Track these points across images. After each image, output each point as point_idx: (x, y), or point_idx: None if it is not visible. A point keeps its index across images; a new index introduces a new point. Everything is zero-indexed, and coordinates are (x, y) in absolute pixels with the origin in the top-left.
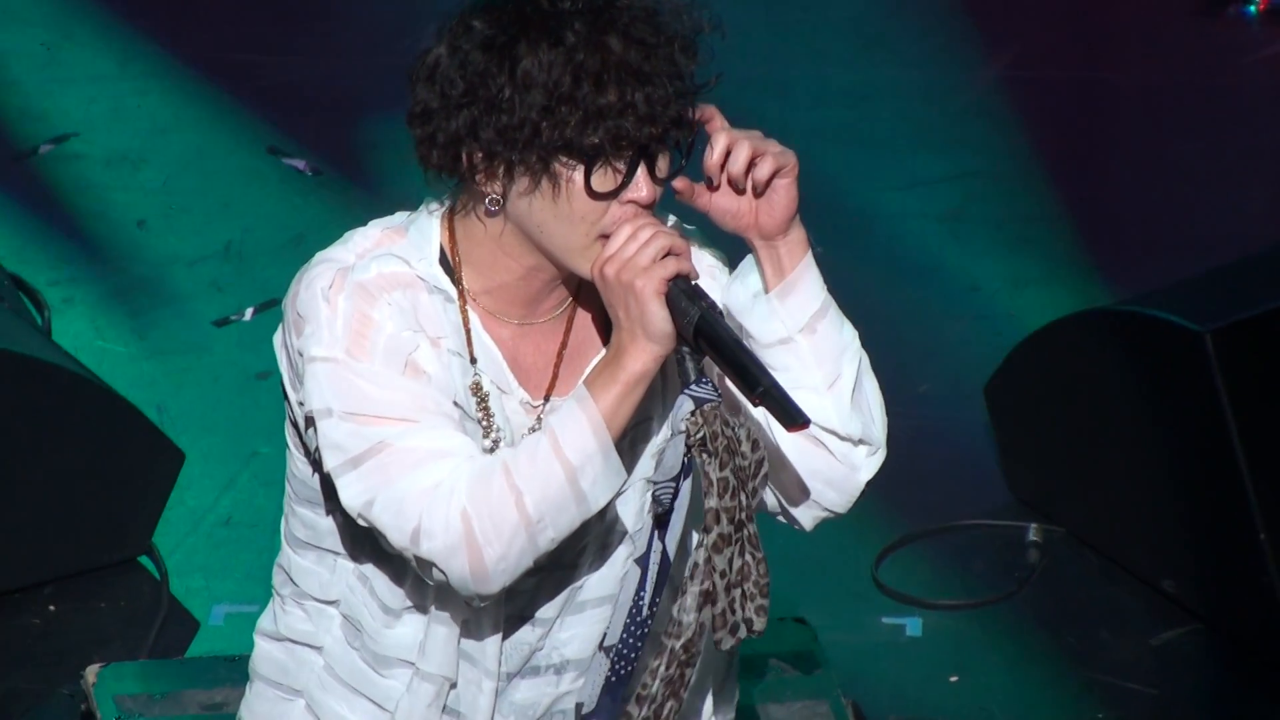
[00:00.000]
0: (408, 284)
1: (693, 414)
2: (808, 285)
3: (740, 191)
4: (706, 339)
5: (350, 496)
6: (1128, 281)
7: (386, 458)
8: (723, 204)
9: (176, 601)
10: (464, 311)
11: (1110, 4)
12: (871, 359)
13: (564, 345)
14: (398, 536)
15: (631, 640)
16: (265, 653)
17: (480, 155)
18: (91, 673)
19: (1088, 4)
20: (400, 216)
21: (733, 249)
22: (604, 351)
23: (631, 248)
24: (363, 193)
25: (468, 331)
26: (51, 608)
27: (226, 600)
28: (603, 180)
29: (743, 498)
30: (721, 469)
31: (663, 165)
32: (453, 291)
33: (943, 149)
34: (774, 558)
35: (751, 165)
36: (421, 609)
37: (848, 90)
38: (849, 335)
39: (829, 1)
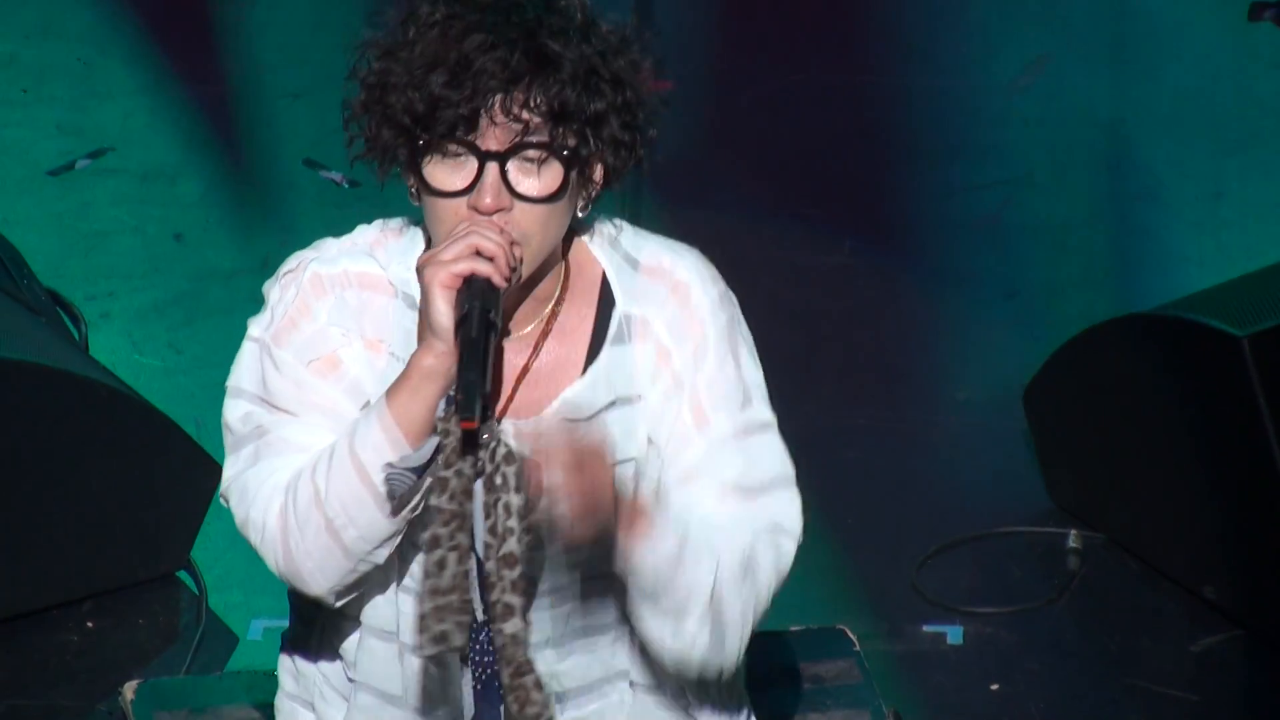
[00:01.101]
0: (369, 285)
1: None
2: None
3: None
4: (460, 340)
5: (225, 478)
6: (1165, 286)
7: (260, 444)
8: None
9: (215, 616)
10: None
11: (1144, 8)
12: (910, 365)
13: (527, 367)
14: (238, 523)
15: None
16: (283, 664)
17: (370, 133)
18: (130, 689)
19: (1122, 8)
20: (405, 219)
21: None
22: (577, 381)
23: (445, 245)
24: (400, 205)
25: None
26: (90, 624)
27: (265, 615)
28: (447, 179)
29: (466, 505)
30: (457, 476)
31: (525, 181)
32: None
33: (980, 156)
34: (812, 567)
35: None
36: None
37: (886, 98)
38: (705, 570)
39: (867, 9)
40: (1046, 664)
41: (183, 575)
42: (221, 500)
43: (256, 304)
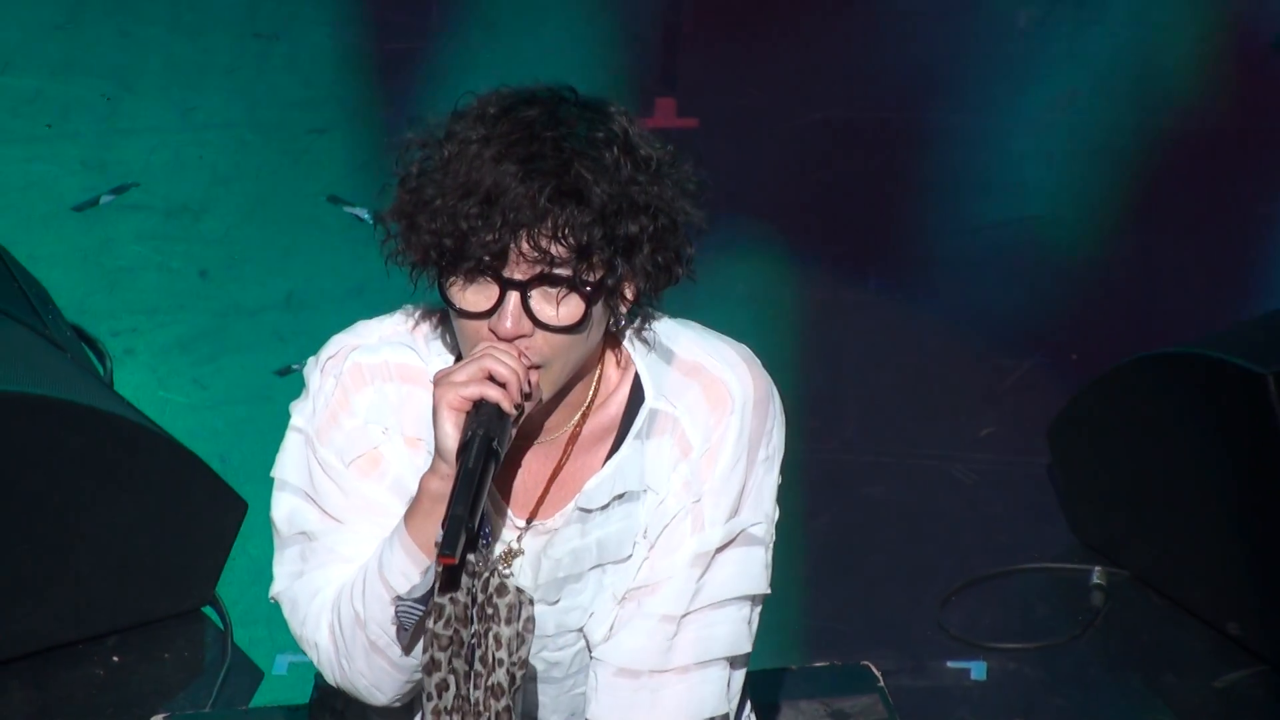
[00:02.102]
0: (409, 378)
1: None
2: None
3: None
4: (458, 470)
5: (276, 582)
6: (1190, 324)
7: (305, 549)
8: None
9: (240, 651)
10: None
11: (1170, 45)
12: (933, 403)
13: (558, 469)
14: (294, 636)
15: None
16: (313, 697)
17: (400, 246)
18: None
19: (1147, 48)
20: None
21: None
22: (598, 474)
23: (460, 365)
24: None
25: None
26: (115, 658)
27: (290, 650)
28: (471, 300)
29: (463, 633)
30: (452, 603)
31: (546, 309)
32: None
33: (1004, 192)
34: (837, 603)
35: None
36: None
37: (908, 134)
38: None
39: (892, 47)
40: (1071, 700)
41: (208, 610)
42: (271, 600)
43: (281, 340)
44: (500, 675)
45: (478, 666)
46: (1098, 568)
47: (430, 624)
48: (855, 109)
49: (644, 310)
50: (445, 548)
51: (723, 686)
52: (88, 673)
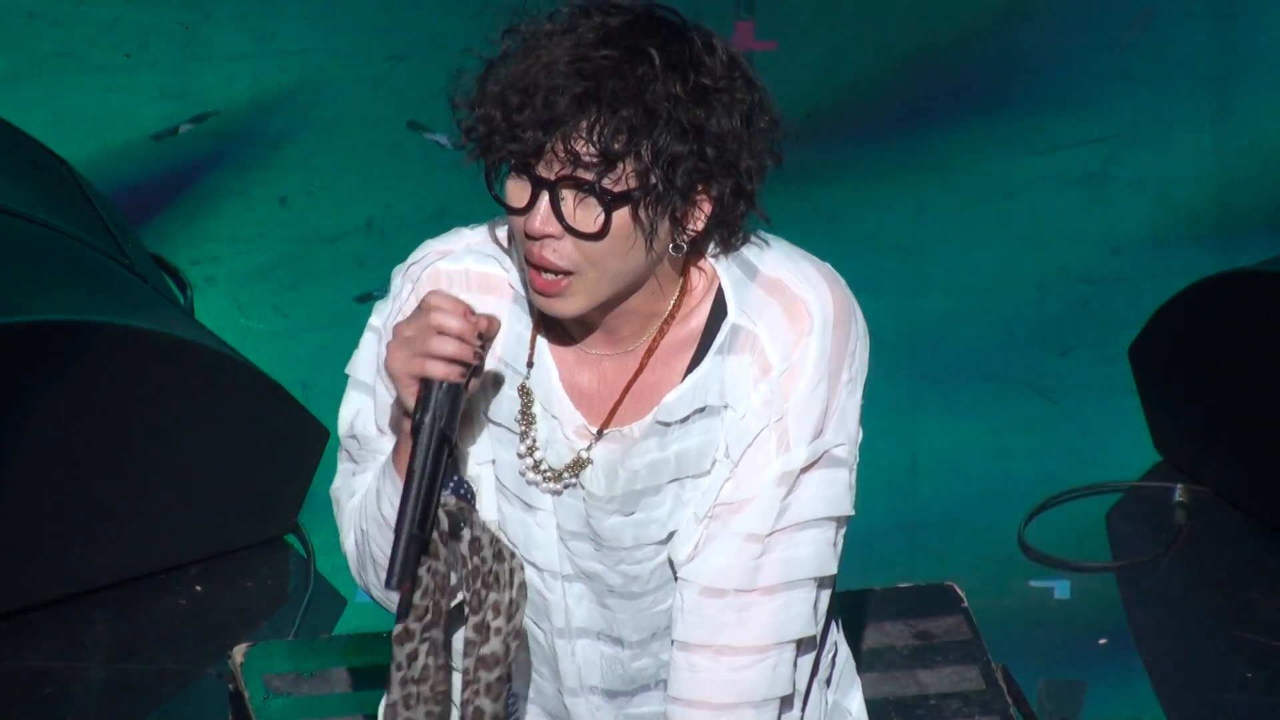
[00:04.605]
0: (488, 287)
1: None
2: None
3: None
4: (403, 489)
5: (335, 481)
6: (1271, 241)
7: (359, 449)
8: None
9: (323, 579)
10: (536, 326)
11: None
12: (1014, 324)
13: (634, 379)
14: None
15: None
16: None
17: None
18: (239, 652)
19: None
20: None
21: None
22: (678, 388)
23: (410, 326)
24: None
25: (532, 344)
26: (198, 588)
27: None
28: (511, 194)
29: (441, 601)
30: (419, 565)
31: (577, 213)
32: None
33: (1082, 112)
34: (921, 524)
35: None
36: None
37: (988, 56)
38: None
39: None
40: (1154, 618)
41: (290, 539)
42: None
43: (361, 267)
44: (496, 644)
45: (469, 634)
46: (1180, 485)
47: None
48: (936, 31)
49: (720, 233)
50: (390, 579)
51: (809, 608)
52: (170, 603)
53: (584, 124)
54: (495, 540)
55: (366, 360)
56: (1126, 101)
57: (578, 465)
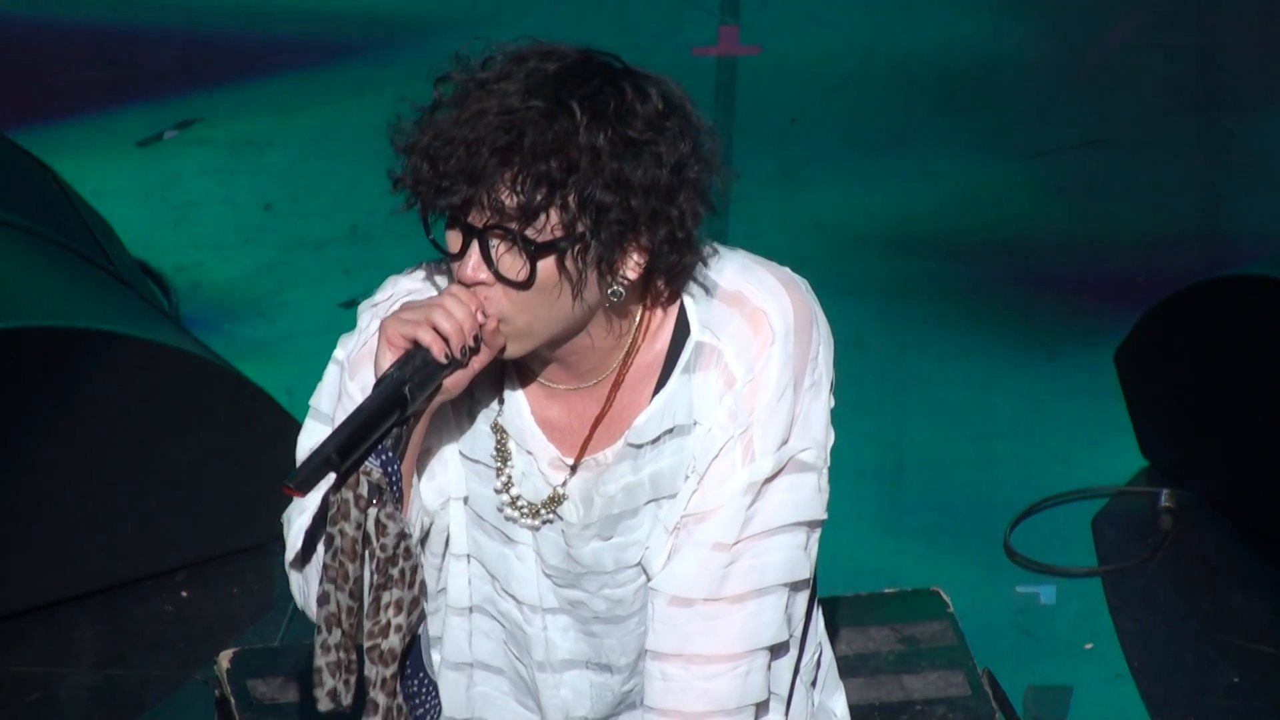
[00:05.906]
0: None
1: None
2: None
3: None
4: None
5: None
6: (1258, 246)
7: None
8: None
9: None
10: (505, 363)
11: None
12: (1001, 327)
13: (604, 412)
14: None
15: None
16: None
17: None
18: (225, 658)
19: None
20: None
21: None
22: (646, 410)
23: (415, 304)
24: None
25: (501, 381)
26: (184, 594)
27: None
28: (447, 240)
29: (349, 567)
30: (340, 535)
31: (505, 260)
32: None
33: (1068, 117)
34: (906, 529)
35: None
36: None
37: (973, 61)
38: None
39: None
40: (1140, 623)
41: (276, 545)
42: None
43: (346, 273)
44: (393, 640)
45: (369, 625)
46: (1166, 490)
47: (322, 553)
48: (920, 33)
49: (661, 279)
50: (292, 478)
51: (780, 614)
52: (157, 608)
53: (507, 175)
54: (404, 535)
55: (329, 393)
56: (1111, 107)
57: (554, 501)
